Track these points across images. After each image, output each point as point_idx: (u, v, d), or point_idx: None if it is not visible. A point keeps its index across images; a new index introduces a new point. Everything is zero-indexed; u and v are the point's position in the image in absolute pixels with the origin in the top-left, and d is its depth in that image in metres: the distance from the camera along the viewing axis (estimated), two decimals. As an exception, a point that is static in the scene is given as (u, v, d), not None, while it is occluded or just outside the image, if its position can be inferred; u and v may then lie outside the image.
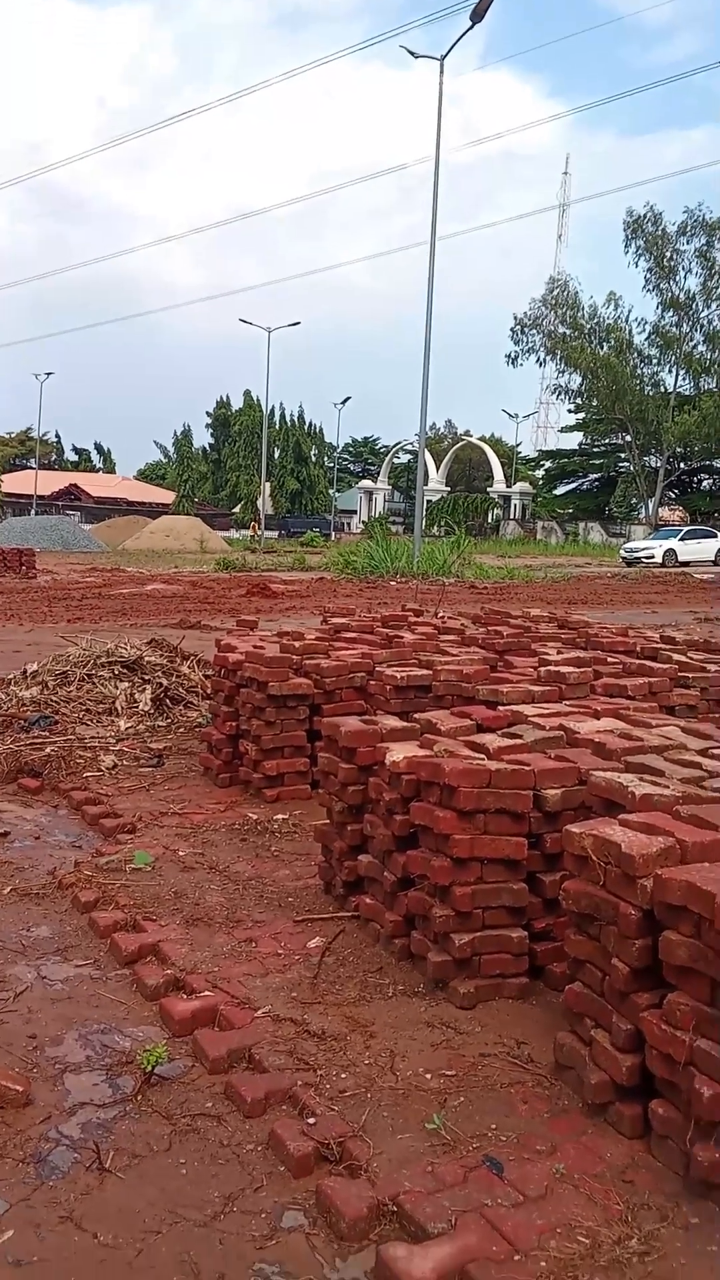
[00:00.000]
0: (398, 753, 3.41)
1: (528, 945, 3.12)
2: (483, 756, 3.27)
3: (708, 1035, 2.17)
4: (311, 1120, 2.42)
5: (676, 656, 5.42)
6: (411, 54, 29.34)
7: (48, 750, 5.79)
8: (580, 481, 69.22)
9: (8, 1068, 2.64)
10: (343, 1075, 2.65)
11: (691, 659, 5.40)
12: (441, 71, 28.83)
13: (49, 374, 64.85)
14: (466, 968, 3.07)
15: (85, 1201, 2.19)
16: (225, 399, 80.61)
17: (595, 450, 66.25)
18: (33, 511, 58.31)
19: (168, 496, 74.31)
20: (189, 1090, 2.62)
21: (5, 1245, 2.05)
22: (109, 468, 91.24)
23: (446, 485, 71.88)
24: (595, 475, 67.37)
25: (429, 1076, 2.65)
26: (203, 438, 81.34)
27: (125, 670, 7.33)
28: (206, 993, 3.07)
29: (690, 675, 5.06)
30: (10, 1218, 2.13)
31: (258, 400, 72.57)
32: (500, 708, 4.09)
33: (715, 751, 3.34)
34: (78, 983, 3.22)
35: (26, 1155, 2.34)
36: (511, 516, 66.28)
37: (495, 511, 67.67)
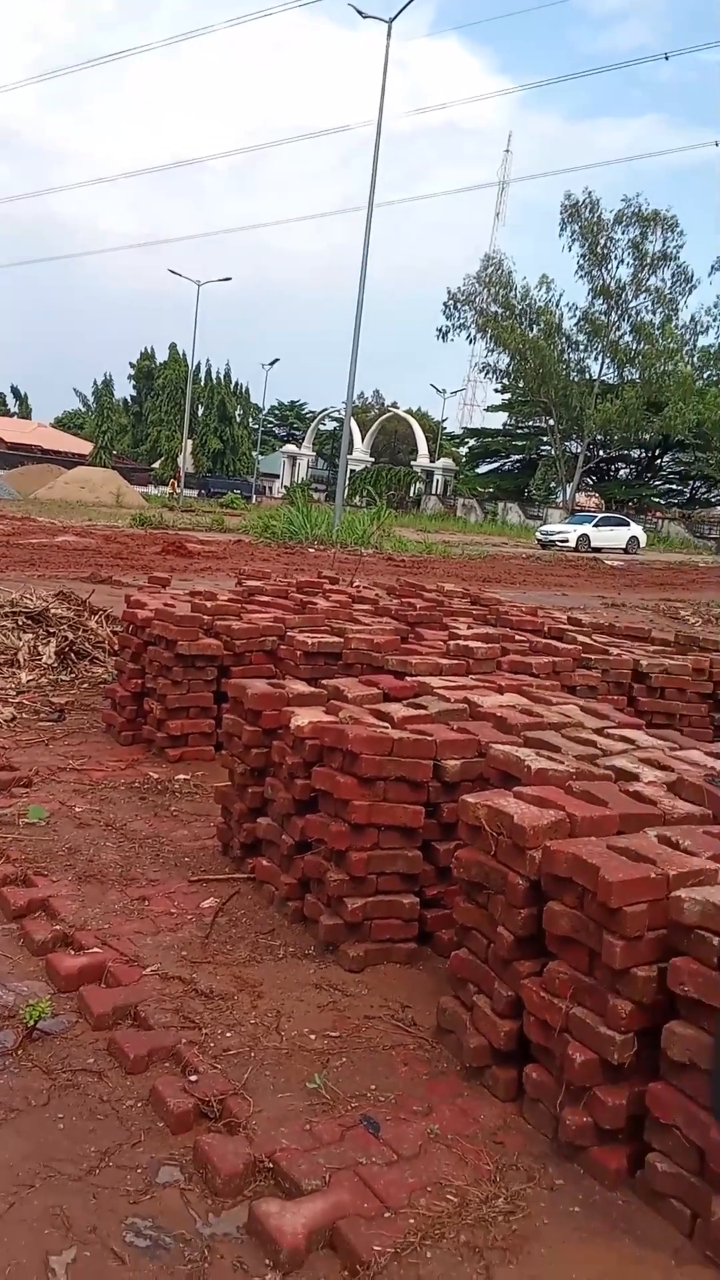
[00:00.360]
0: (303, 717, 3.41)
1: (418, 911, 3.17)
2: (386, 725, 3.29)
3: (583, 1003, 2.24)
4: (194, 1078, 2.43)
5: (581, 638, 5.54)
6: (360, 13, 28.84)
7: (-56, 699, 5.63)
8: (502, 462, 69.87)
9: None
10: (228, 1034, 2.66)
11: (595, 641, 5.53)
12: (389, 34, 28.45)
13: (-34, 311, 62.32)
14: (357, 932, 3.10)
15: (-42, 1154, 2.16)
16: (150, 351, 78.69)
17: (519, 432, 66.89)
18: (-59, 453, 56.24)
19: (85, 447, 72.39)
20: (71, 1046, 2.60)
21: None
22: (25, 413, 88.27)
23: (371, 456, 71.77)
24: (517, 456, 68.06)
25: (313, 1037, 2.68)
26: (125, 389, 79.34)
27: (30, 622, 7.16)
28: (95, 949, 3.04)
29: (593, 657, 5.18)
30: None
31: (183, 355, 71.12)
32: (408, 678, 4.12)
33: (611, 731, 3.43)
34: (-38, 936, 3.16)
35: None
36: (433, 491, 66.57)
37: (418, 485, 67.87)
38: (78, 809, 4.33)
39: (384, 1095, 2.44)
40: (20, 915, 3.28)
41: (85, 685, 6.51)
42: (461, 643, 4.81)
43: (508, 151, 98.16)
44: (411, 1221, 2.01)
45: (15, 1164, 2.14)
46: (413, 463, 69.48)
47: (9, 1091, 2.39)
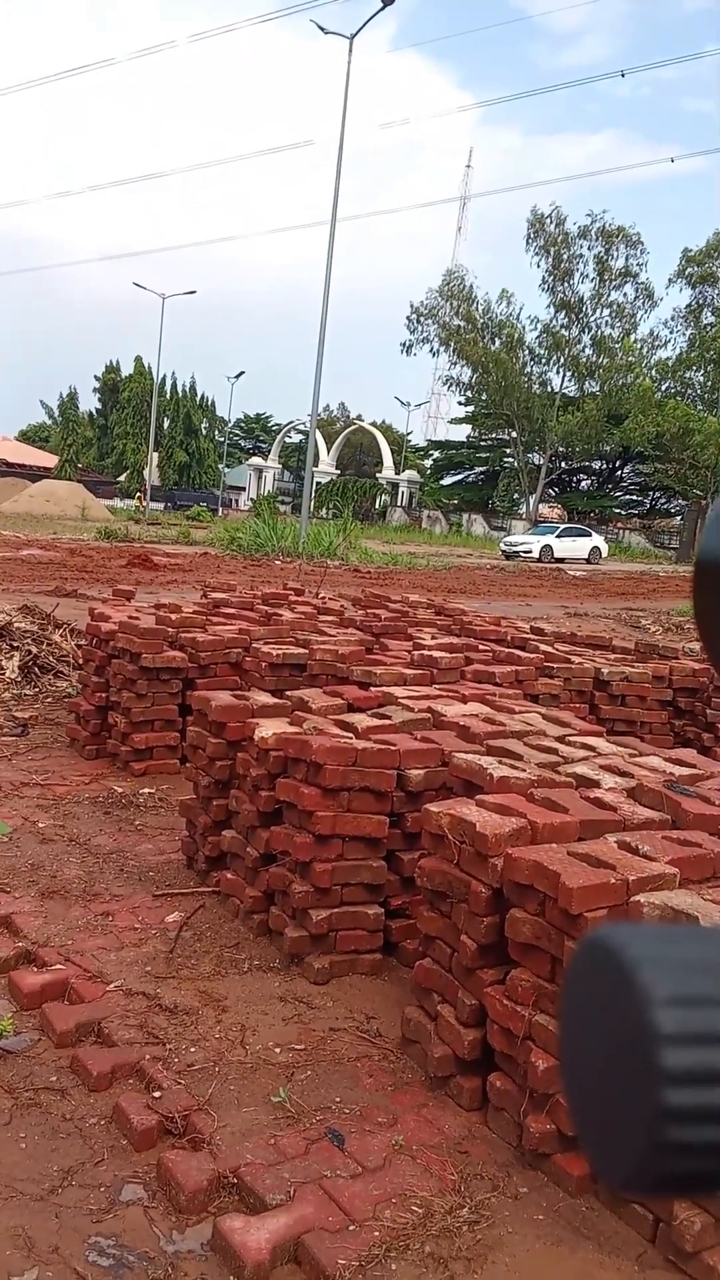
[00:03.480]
0: (268, 729, 3.40)
1: (383, 922, 3.17)
2: (351, 736, 3.29)
3: (546, 1011, 2.25)
4: (157, 1094, 2.41)
5: (544, 647, 5.58)
6: (321, 29, 29.00)
7: None
8: (466, 473, 70.22)
9: None
10: (192, 1049, 2.64)
11: (557, 650, 5.57)
12: (350, 50, 28.63)
13: (-72, 323, 61.79)
14: (322, 943, 3.10)
15: None
16: (115, 364, 78.40)
17: (482, 444, 67.29)
18: None
19: (50, 460, 71.86)
20: (34, 1064, 2.57)
21: None
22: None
23: (337, 468, 71.86)
24: (481, 468, 68.44)
25: (278, 1050, 2.67)
26: (90, 402, 78.97)
27: (-7, 636, 7.08)
28: (58, 966, 3.01)
29: (555, 666, 5.22)
30: None
31: (149, 368, 70.85)
32: (372, 689, 4.13)
33: (572, 738, 3.45)
34: None
35: None
36: (399, 503, 66.79)
37: (383, 497, 68.03)
38: (41, 824, 4.29)
39: (349, 1107, 2.43)
40: (-19, 933, 3.24)
41: (49, 699, 6.46)
42: (426, 653, 4.82)
43: (469, 167, 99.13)
44: (376, 1234, 2.00)
45: (-25, 1185, 2.11)
46: (378, 475, 69.65)
47: (-31, 1112, 2.36)
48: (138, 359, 74.98)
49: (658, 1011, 0.39)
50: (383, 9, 27.24)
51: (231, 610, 6.07)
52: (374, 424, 78.22)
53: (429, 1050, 2.54)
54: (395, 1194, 2.12)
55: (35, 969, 3.00)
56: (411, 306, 55.74)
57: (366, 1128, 2.35)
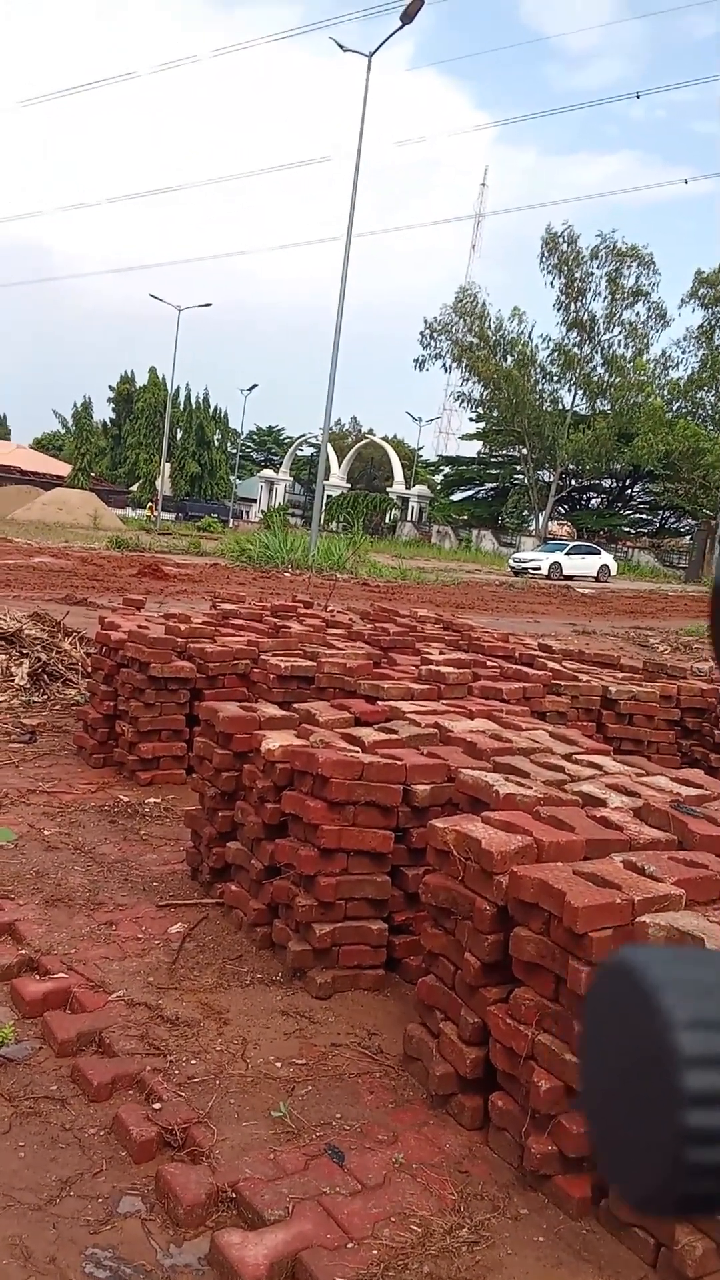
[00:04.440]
0: (274, 741, 3.40)
1: (386, 937, 3.16)
2: (357, 749, 3.29)
3: (549, 1030, 2.24)
4: (157, 1105, 2.40)
5: (552, 664, 5.58)
6: (341, 47, 29.23)
7: None
8: (476, 489, 70.30)
9: None
10: (193, 1061, 2.64)
11: (565, 668, 5.56)
12: (369, 68, 28.85)
13: (-56, 332, 62.19)
14: (325, 958, 3.09)
15: None
16: (130, 375, 78.98)
17: (493, 460, 67.40)
18: None
19: (63, 469, 72.21)
20: (34, 1073, 2.57)
21: None
22: (3, 434, 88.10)
23: (348, 482, 72.02)
24: (491, 485, 68.52)
25: (279, 1065, 2.66)
26: (104, 412, 79.47)
27: (3, 642, 7.10)
28: (61, 974, 3.01)
29: (563, 683, 5.21)
30: None
31: (163, 379, 71.21)
32: (379, 703, 4.13)
33: (579, 756, 3.45)
34: None
35: None
36: (409, 518, 66.89)
37: (393, 512, 68.17)
38: (47, 832, 4.29)
39: (349, 1124, 2.42)
40: (-15, 940, 3.24)
41: (58, 707, 6.47)
42: (433, 668, 4.83)
43: (483, 185, 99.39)
44: (375, 1252, 1.99)
45: (-27, 1194, 2.11)
46: (388, 489, 69.82)
47: (-31, 1120, 2.35)
48: (152, 370, 75.37)
49: (680, 1034, 0.39)
50: (401, 28, 27.45)
51: (240, 622, 6.08)
52: (385, 438, 78.44)
53: (431, 1068, 2.53)
54: (394, 1212, 2.11)
55: (37, 977, 2.99)
56: (425, 322, 56.01)
57: (367, 1145, 2.34)
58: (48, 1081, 2.53)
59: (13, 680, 6.68)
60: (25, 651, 7.06)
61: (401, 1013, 2.97)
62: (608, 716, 5.35)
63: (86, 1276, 1.92)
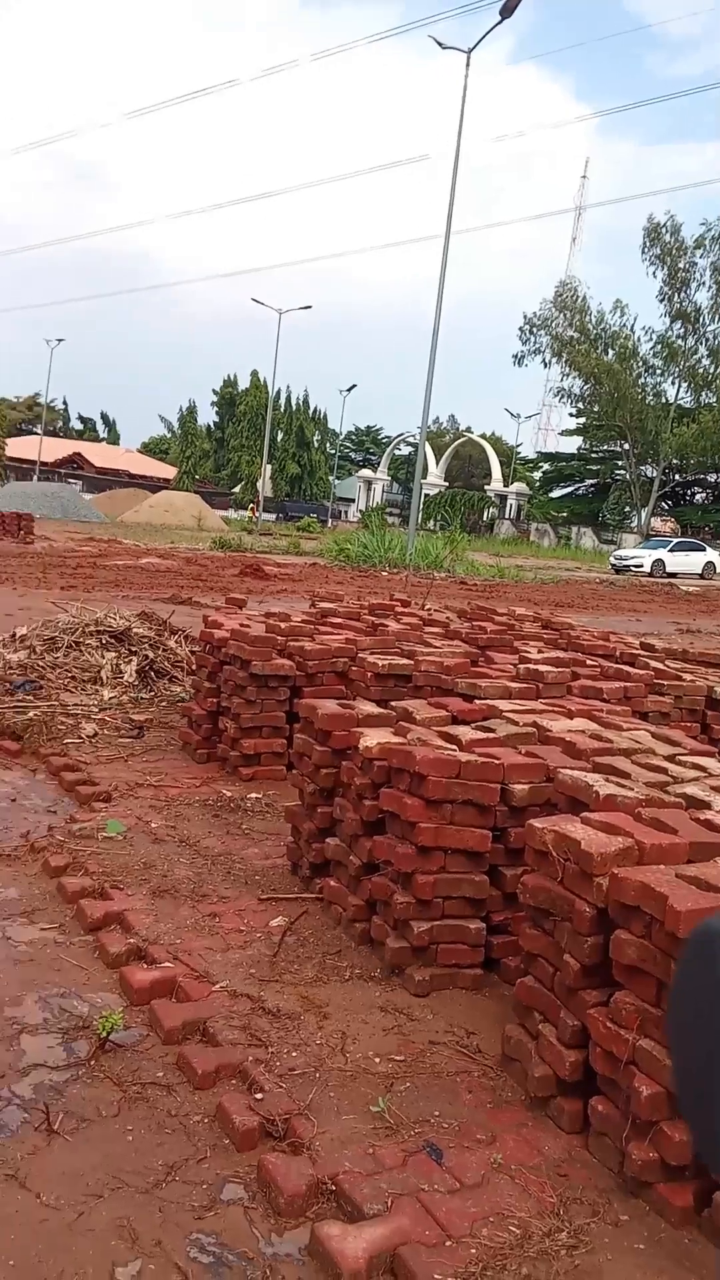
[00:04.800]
0: (372, 738, 3.43)
1: (484, 937, 3.15)
2: (454, 748, 3.29)
3: (650, 1035, 2.20)
4: (259, 1096, 2.45)
5: (654, 664, 5.46)
6: (439, 44, 29.13)
7: (30, 714, 5.80)
8: (576, 486, 69.23)
9: (-38, 1025, 2.66)
10: (293, 1054, 2.68)
11: (669, 667, 5.44)
12: (468, 65, 28.68)
13: (59, 340, 64.43)
14: (423, 955, 3.10)
15: (31, 1161, 2.21)
16: (232, 378, 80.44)
17: (593, 456, 66.27)
18: (35, 477, 57.95)
19: (169, 472, 74.08)
20: (142, 1059, 2.65)
21: (-54, 1198, 2.07)
22: (113, 439, 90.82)
23: (445, 480, 71.78)
24: (591, 481, 67.38)
25: (378, 1060, 2.68)
26: (208, 415, 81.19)
27: (113, 640, 7.33)
28: (166, 964, 3.09)
29: (665, 683, 5.10)
30: (-45, 1171, 2.15)
31: (265, 381, 72.36)
32: (477, 701, 4.12)
33: (682, 758, 3.37)
34: (41, 946, 3.24)
35: (-25, 1112, 2.36)
36: (507, 516, 66.29)
37: (491, 510, 67.65)
38: (154, 824, 4.41)
39: (447, 1122, 2.43)
40: (96, 927, 3.36)
41: (164, 703, 6.64)
42: (531, 666, 4.78)
43: (584, 178, 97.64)
44: (473, 1251, 1.99)
45: (85, 1173, 2.19)
46: (486, 487, 69.31)
47: (81, 1101, 2.44)
48: (254, 373, 76.65)
49: None
50: (500, 22, 27.22)
51: (339, 620, 6.13)
52: (483, 436, 77.94)
53: (529, 1070, 2.51)
54: (493, 1212, 2.11)
55: (145, 965, 3.09)
56: (524, 317, 55.35)
57: (465, 1144, 2.34)
58: (154, 1068, 2.61)
59: (122, 677, 6.89)
60: (134, 649, 7.27)
61: (500, 1013, 2.96)
62: (713, 717, 5.21)
63: (191, 1261, 1.98)
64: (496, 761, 3.19)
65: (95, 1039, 2.66)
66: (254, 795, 4.94)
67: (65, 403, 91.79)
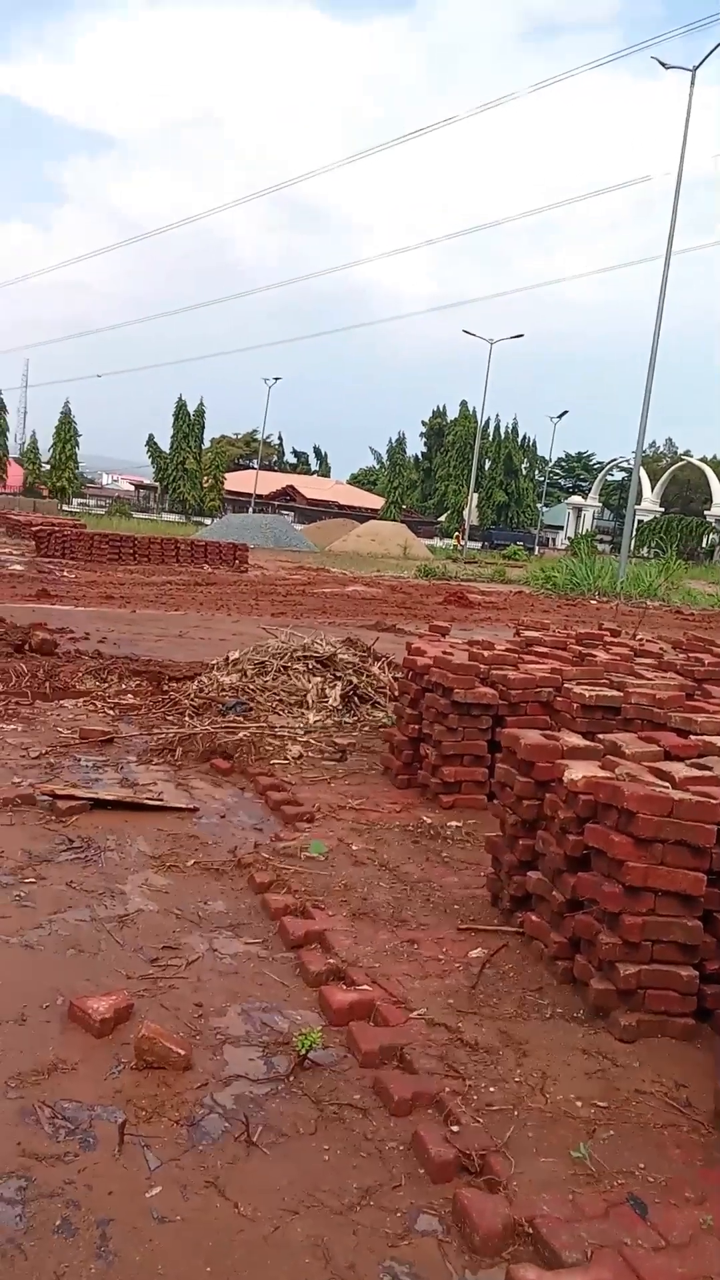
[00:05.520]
0: (577, 771, 3.33)
1: (697, 985, 2.98)
2: (667, 785, 3.15)
3: None
4: (455, 1128, 2.41)
5: None
6: (663, 65, 28.54)
7: (240, 735, 6.04)
8: None
9: (173, 1031, 2.78)
10: (491, 1089, 2.62)
11: None
12: (693, 83, 27.94)
13: (277, 379, 67.38)
14: (630, 1000, 2.96)
15: (230, 1171, 2.27)
16: (441, 409, 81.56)
17: None
18: (250, 509, 60.87)
19: (377, 502, 75.73)
20: (339, 1079, 2.67)
21: (152, 1200, 2.16)
22: (324, 471, 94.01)
23: (661, 506, 69.44)
24: None
25: (579, 1104, 2.58)
26: (416, 446, 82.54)
27: (319, 665, 7.53)
28: (365, 986, 3.11)
29: None
30: (160, 1175, 2.24)
31: (473, 411, 72.71)
32: (692, 737, 3.92)
33: None
34: (246, 959, 3.35)
35: (181, 1118, 2.45)
36: (728, 542, 63.24)
37: (712, 536, 64.78)
38: (354, 847, 4.47)
39: (653, 1176, 2.30)
40: (298, 945, 3.43)
41: (366, 728, 6.74)
42: (753, 701, 4.51)
43: None
44: (679, 1317, 1.87)
45: (282, 1188, 2.22)
46: (706, 513, 66.45)
47: (280, 1116, 2.49)
48: (463, 403, 77.24)
49: None
50: (724, 33, 26.31)
51: (544, 649, 6.02)
52: (703, 459, 74.87)
53: (745, 1131, 2.34)
54: (701, 1275, 1.97)
55: (344, 986, 3.12)
56: (748, 336, 52.82)
57: (671, 1200, 2.21)
58: (351, 1090, 2.62)
59: (327, 701, 7.06)
60: (339, 675, 7.44)
61: (712, 1066, 2.78)
62: None
63: (384, 1288, 1.96)
64: (713, 801, 3.02)
65: (294, 1055, 2.71)
66: (454, 823, 4.92)
67: (280, 438, 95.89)
